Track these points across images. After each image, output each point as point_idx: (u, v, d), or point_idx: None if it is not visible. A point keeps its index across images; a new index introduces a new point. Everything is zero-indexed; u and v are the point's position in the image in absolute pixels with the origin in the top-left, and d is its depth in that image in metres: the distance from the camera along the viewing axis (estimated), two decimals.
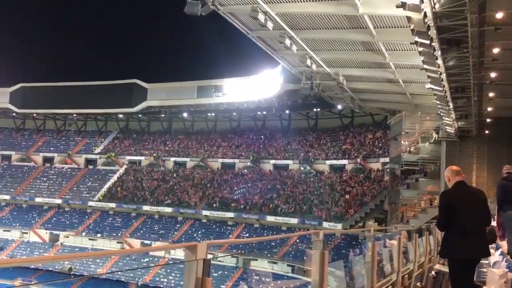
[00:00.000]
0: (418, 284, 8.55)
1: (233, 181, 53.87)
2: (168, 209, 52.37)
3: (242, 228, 48.85)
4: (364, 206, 43.65)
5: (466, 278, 5.76)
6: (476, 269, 6.56)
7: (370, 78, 28.22)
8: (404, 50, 20.69)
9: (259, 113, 58.05)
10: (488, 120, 27.55)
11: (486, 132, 29.62)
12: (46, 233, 54.21)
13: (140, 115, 63.56)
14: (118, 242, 50.87)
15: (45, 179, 61.68)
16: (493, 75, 18.59)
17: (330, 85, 29.23)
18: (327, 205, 45.60)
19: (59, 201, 56.96)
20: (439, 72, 16.80)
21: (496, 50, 15.83)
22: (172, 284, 43.46)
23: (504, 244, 8.06)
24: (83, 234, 52.75)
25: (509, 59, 17.42)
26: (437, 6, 11.84)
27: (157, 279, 44.94)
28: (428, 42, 13.81)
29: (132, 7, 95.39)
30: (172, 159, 60.27)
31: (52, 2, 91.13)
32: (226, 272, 43.44)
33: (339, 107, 45.67)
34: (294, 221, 46.00)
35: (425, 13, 12.21)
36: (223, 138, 61.04)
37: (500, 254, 8.26)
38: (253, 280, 42.43)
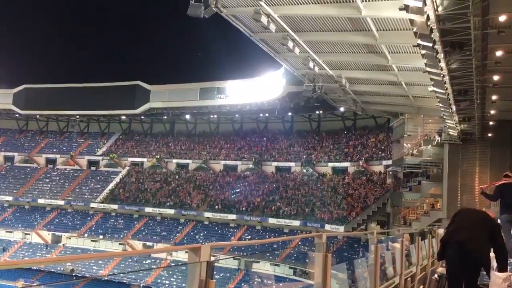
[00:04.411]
0: (421, 287, 8.54)
1: (235, 183, 53.86)
2: (170, 211, 52.37)
3: (244, 230, 48.82)
4: (367, 208, 43.58)
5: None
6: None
7: (373, 81, 28.20)
8: (407, 52, 20.66)
9: (261, 115, 58.07)
10: (491, 123, 27.50)
11: (489, 135, 29.58)
12: (49, 234, 54.28)
13: (142, 117, 63.62)
14: (120, 244, 50.88)
15: (47, 180, 61.79)
16: (496, 78, 18.57)
17: (333, 87, 29.22)
18: (329, 208, 45.55)
19: (61, 202, 57.04)
20: (442, 75, 16.80)
21: (499, 53, 15.81)
22: (174, 286, 43.41)
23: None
24: (85, 235, 52.80)
25: None
26: (440, 9, 11.84)
27: (159, 280, 44.93)
28: (431, 44, 13.81)
29: (135, 9, 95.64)
30: (175, 161, 60.32)
31: (55, 4, 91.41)
32: (228, 274, 43.42)
33: (342, 109, 45.63)
34: (296, 223, 45.93)
35: (428, 16, 12.21)
36: (225, 140, 61.07)
37: None
38: (255, 282, 42.40)
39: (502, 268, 5.99)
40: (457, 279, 5.92)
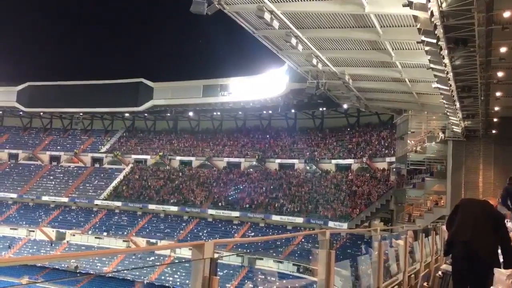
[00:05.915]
0: (425, 284, 8.53)
1: (239, 180, 53.90)
2: (174, 208, 52.47)
3: (247, 227, 48.88)
4: (370, 205, 43.53)
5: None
6: None
7: (376, 77, 28.13)
8: (411, 49, 20.60)
9: (264, 112, 58.00)
10: (495, 119, 27.37)
11: (493, 131, 29.45)
12: (53, 231, 54.49)
13: (146, 114, 63.71)
14: (124, 241, 51.04)
15: (51, 177, 61.98)
16: (500, 74, 18.48)
17: (336, 84, 29.19)
18: (332, 205, 45.53)
19: (65, 199, 57.23)
20: (445, 71, 16.73)
21: (503, 49, 15.73)
22: (178, 283, 43.53)
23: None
24: (89, 232, 52.98)
25: None
26: (444, 5, 11.78)
27: (163, 277, 45.06)
28: (434, 41, 13.75)
29: (138, 6, 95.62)
30: (178, 158, 60.40)
31: (59, 2, 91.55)
32: (231, 271, 43.48)
33: (345, 106, 45.54)
34: (299, 220, 45.97)
35: (432, 12, 12.15)
36: (228, 137, 61.09)
37: None
38: (259, 279, 42.47)
39: (508, 263, 5.66)
40: (464, 278, 5.85)
